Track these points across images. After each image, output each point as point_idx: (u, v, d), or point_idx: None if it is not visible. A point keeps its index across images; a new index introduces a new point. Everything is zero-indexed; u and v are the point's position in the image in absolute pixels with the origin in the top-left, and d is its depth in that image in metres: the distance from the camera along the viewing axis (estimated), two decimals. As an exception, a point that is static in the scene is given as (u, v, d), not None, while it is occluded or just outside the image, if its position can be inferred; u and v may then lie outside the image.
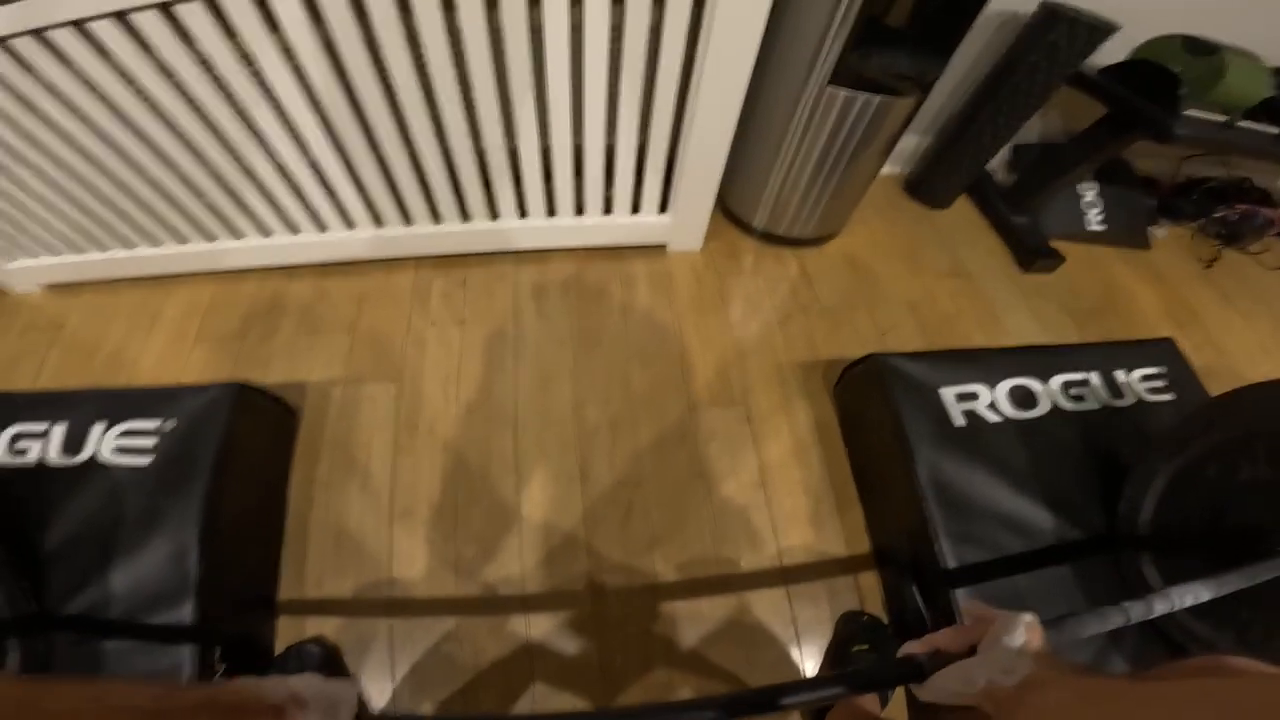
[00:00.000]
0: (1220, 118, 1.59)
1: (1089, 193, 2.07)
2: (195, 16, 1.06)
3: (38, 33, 1.06)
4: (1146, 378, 1.35)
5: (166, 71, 1.16)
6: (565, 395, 1.45)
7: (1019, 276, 1.90)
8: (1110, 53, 1.60)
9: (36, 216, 1.46)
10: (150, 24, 1.06)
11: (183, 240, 1.57)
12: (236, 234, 1.56)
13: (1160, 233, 2.21)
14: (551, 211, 1.58)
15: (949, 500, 1.13)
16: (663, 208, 1.62)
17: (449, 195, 1.49)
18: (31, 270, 1.61)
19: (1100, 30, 1.52)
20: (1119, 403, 1.30)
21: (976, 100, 1.80)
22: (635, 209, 1.61)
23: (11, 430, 1.12)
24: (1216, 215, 2.18)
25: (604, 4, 1.12)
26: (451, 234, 1.59)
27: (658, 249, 1.74)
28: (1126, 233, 2.10)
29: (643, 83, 1.27)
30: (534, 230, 1.61)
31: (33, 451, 1.10)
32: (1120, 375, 1.35)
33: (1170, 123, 1.53)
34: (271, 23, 1.10)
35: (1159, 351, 1.42)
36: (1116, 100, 1.68)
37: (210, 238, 1.57)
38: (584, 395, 1.45)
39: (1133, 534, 1.05)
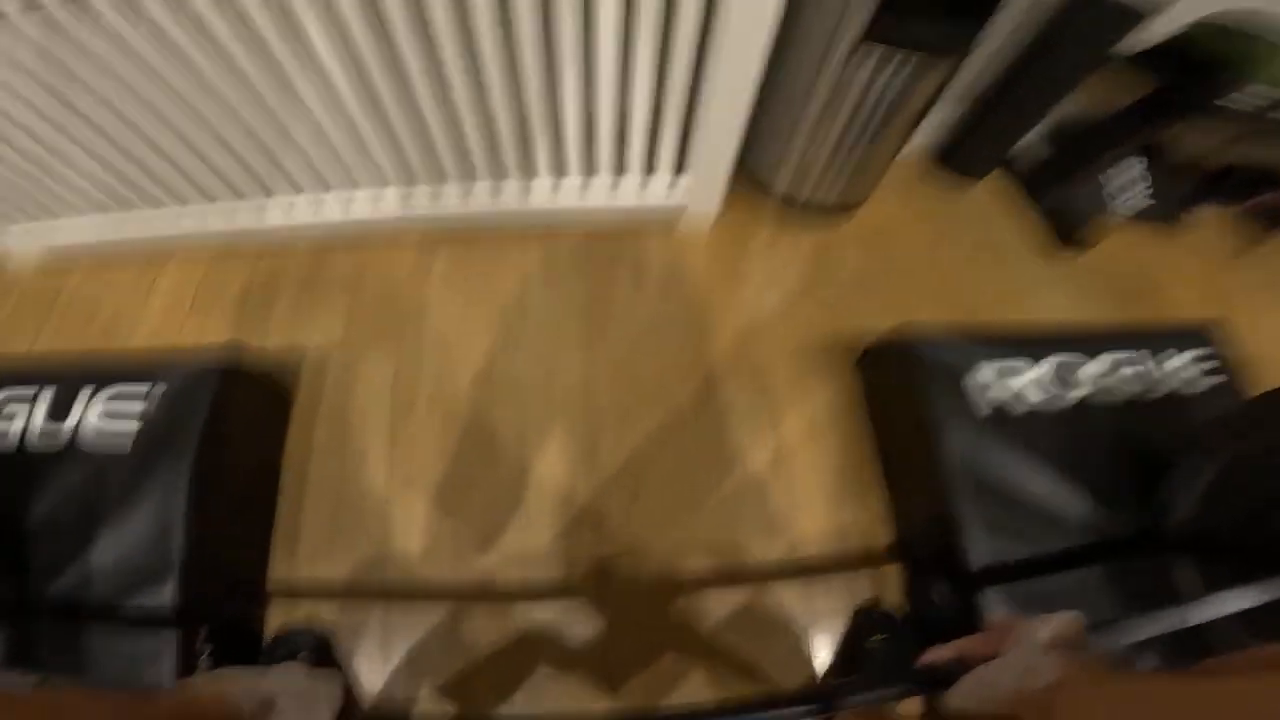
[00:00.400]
0: (1265, 101, 1.51)
1: (1131, 170, 1.96)
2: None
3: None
4: (1194, 360, 1.28)
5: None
6: (574, 371, 1.39)
7: (1053, 254, 1.82)
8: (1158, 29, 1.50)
9: (35, 174, 1.41)
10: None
11: (182, 201, 1.51)
12: (237, 194, 1.51)
13: (1202, 215, 2.12)
14: (561, 171, 1.50)
15: (977, 486, 1.07)
16: (678, 168, 1.53)
17: (451, 151, 1.41)
18: (30, 233, 1.57)
19: (1132, 16, 1.43)
20: (1161, 389, 1.22)
21: (1014, 73, 1.71)
22: (650, 168, 1.53)
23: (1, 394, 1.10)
24: (1260, 199, 2.08)
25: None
26: (457, 197, 1.53)
27: (671, 222, 1.65)
28: (1166, 213, 2.01)
29: (660, 25, 1.19)
30: (543, 193, 1.54)
31: (19, 418, 1.07)
32: (1165, 357, 1.27)
33: (1215, 103, 1.48)
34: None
35: (1205, 335, 1.35)
36: (1164, 78, 1.61)
37: (210, 198, 1.51)
38: (593, 371, 1.39)
39: (1173, 532, 0.99)
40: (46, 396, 1.09)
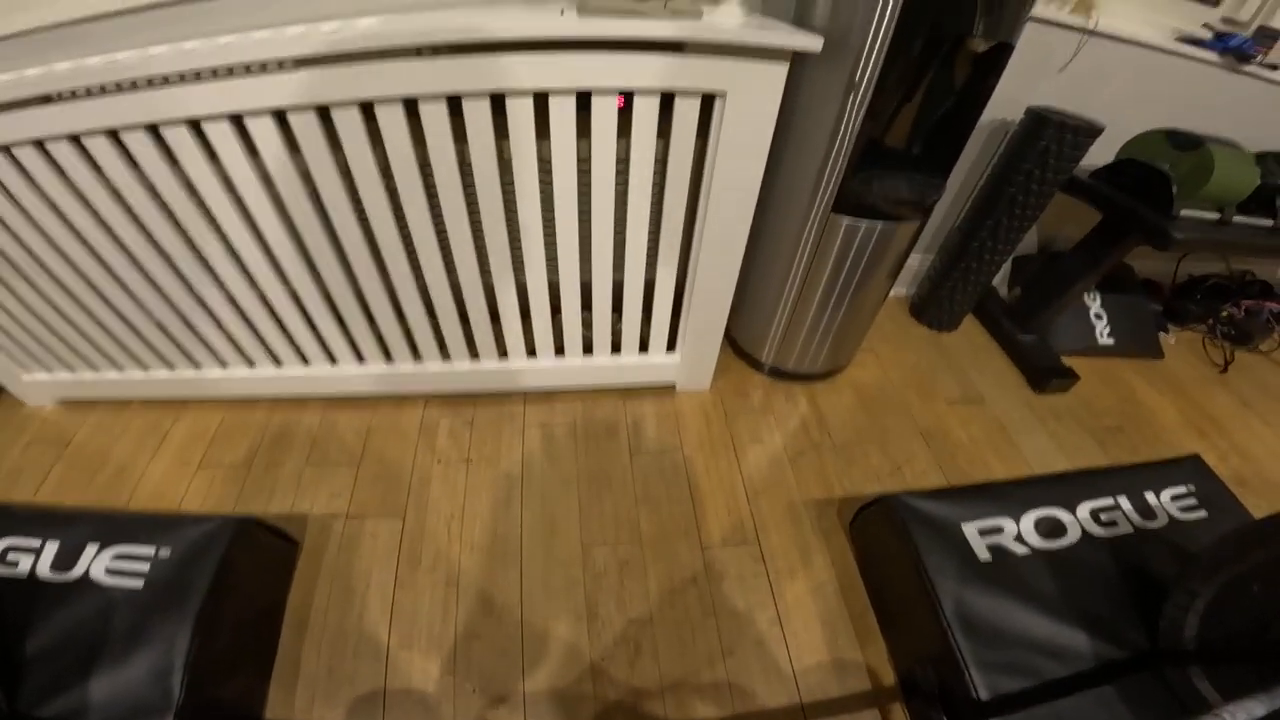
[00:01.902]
0: (1213, 215, 1.61)
1: (1094, 304, 2.08)
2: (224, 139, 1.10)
3: (73, 139, 1.10)
4: (1176, 497, 1.35)
5: (193, 191, 1.20)
6: (573, 535, 1.42)
7: (1033, 398, 1.89)
8: (1097, 154, 1.66)
9: (54, 331, 1.49)
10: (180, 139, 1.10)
11: (196, 365, 1.59)
12: (250, 362, 1.59)
13: (1170, 338, 2.22)
14: (560, 351, 1.60)
15: (979, 633, 1.09)
16: (670, 346, 1.63)
17: (458, 333, 1.51)
18: (46, 384, 1.63)
19: (1087, 132, 1.56)
20: (1151, 524, 1.28)
21: (974, 216, 1.84)
22: (643, 348, 1.62)
23: (4, 542, 1.12)
24: (1223, 315, 2.19)
25: (610, 136, 1.15)
26: (460, 373, 1.61)
27: (666, 388, 1.74)
28: (1137, 342, 2.11)
29: (649, 219, 1.30)
30: (542, 370, 1.63)
31: (23, 565, 1.09)
32: (1150, 497, 1.33)
33: (1167, 227, 1.55)
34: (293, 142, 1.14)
35: (1186, 469, 1.42)
36: (1111, 206, 1.71)
37: (224, 364, 1.59)
38: (592, 536, 1.42)
39: (1177, 650, 1.01)
40: (51, 550, 1.11)
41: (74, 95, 1.05)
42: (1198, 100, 1.88)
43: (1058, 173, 1.62)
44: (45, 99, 1.04)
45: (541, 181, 1.20)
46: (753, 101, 1.12)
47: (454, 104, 1.08)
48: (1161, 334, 2.19)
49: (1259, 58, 1.79)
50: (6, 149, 1.10)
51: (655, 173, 1.22)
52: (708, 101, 1.14)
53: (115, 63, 1.00)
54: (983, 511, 1.26)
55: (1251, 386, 2.08)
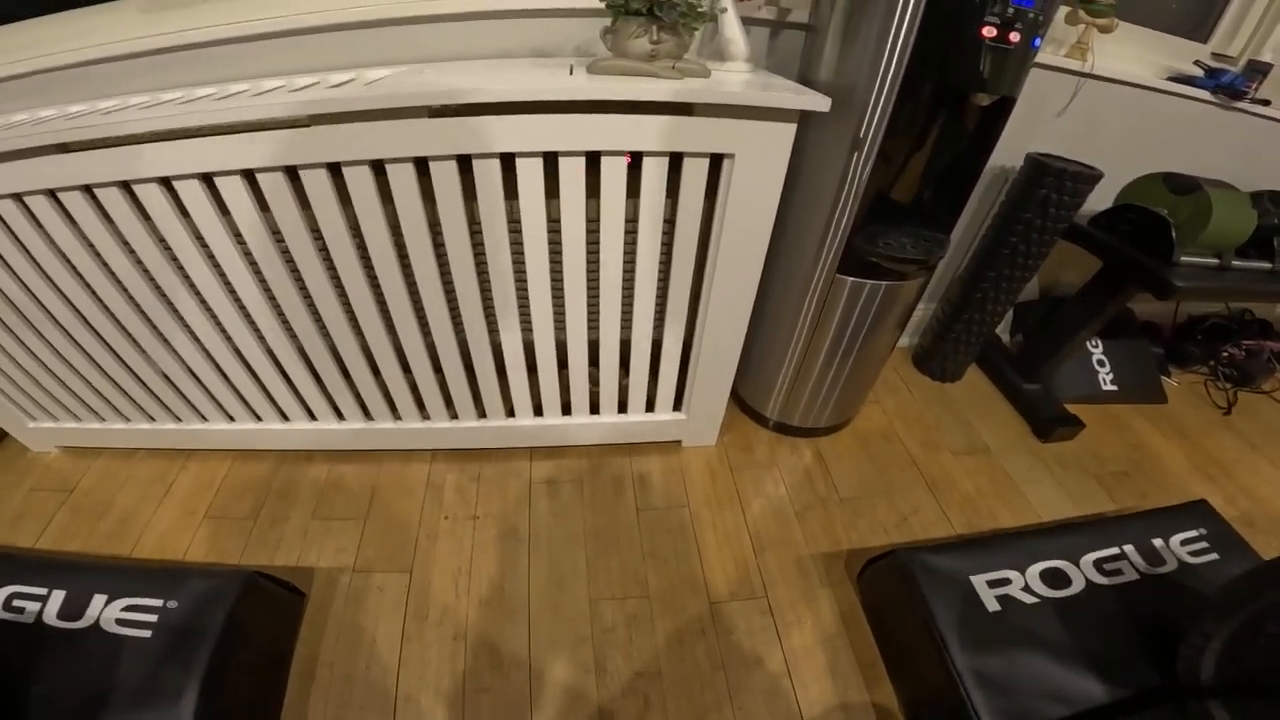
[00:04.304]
0: (1213, 260, 1.62)
1: (1096, 351, 2.10)
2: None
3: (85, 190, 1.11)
4: (1186, 541, 1.36)
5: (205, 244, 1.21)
6: (580, 590, 1.41)
7: (1039, 446, 1.89)
8: (1096, 197, 1.67)
9: (60, 381, 1.50)
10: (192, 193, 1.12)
11: (203, 418, 1.60)
12: (256, 416, 1.59)
13: (1173, 381, 2.23)
14: (567, 410, 1.61)
15: (991, 683, 1.09)
16: (677, 405, 1.65)
17: (465, 392, 1.52)
18: (51, 431, 1.64)
19: (1086, 179, 1.58)
20: (1159, 569, 1.29)
21: (976, 266, 1.85)
22: (650, 407, 1.64)
23: (9, 589, 1.13)
24: (1224, 357, 2.21)
25: (619, 196, 1.16)
26: (467, 430, 1.62)
27: (672, 444, 1.75)
28: (1140, 387, 2.12)
29: (657, 280, 1.32)
30: (549, 428, 1.64)
31: (29, 612, 1.10)
32: (1158, 543, 1.35)
33: (1168, 276, 1.56)
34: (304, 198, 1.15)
35: (1195, 514, 1.43)
36: (1112, 253, 1.72)
37: (230, 418, 1.59)
38: (599, 591, 1.41)
39: (1198, 687, 1.01)
40: (58, 598, 1.12)
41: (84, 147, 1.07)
42: (1193, 139, 1.91)
43: (1058, 221, 1.64)
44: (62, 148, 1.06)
45: (550, 240, 1.22)
46: (761, 162, 1.13)
47: (463, 161, 1.09)
48: (1164, 378, 2.20)
49: (1250, 93, 1.82)
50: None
51: (664, 232, 1.24)
52: (716, 161, 1.16)
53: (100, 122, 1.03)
54: (990, 564, 1.27)
55: (1256, 427, 2.09)
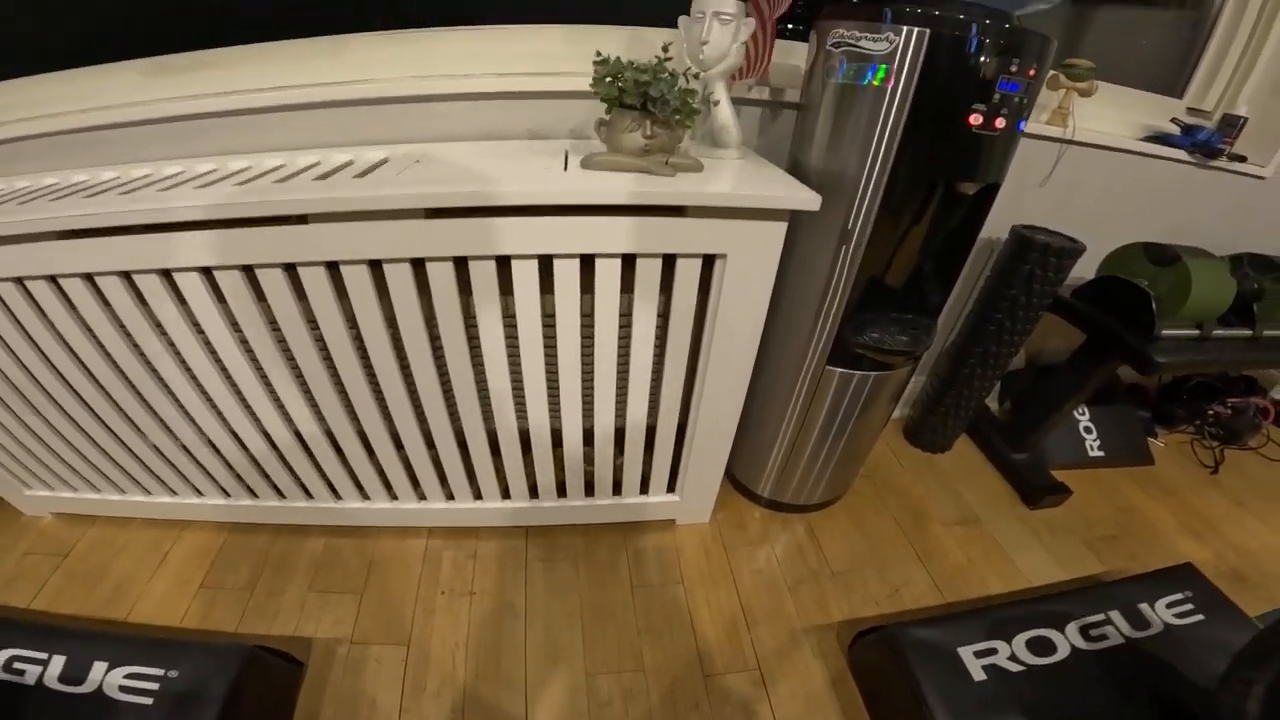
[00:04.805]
0: (1194, 331, 1.65)
1: (1083, 418, 2.13)
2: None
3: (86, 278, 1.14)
4: (1172, 604, 1.40)
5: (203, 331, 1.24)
6: (577, 664, 1.42)
7: (1028, 514, 1.91)
8: (1080, 265, 1.68)
9: (57, 455, 1.51)
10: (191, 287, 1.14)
11: (200, 493, 1.62)
12: (252, 493, 1.61)
13: (1160, 443, 2.26)
14: (562, 493, 1.63)
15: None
16: (671, 487, 1.66)
17: (461, 474, 1.54)
18: (46, 500, 1.65)
19: (1069, 254, 1.60)
20: (1145, 633, 1.33)
21: (963, 342, 1.88)
22: (644, 489, 1.65)
23: (8, 652, 1.15)
24: (1210, 415, 2.24)
25: (613, 295, 1.19)
26: (463, 510, 1.64)
27: (666, 521, 1.77)
28: (1127, 451, 2.15)
29: (650, 371, 1.34)
30: (545, 510, 1.65)
31: (30, 674, 1.12)
32: (1144, 608, 1.38)
33: (1149, 351, 1.59)
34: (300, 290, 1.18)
35: (1180, 577, 1.48)
36: (1095, 327, 1.75)
37: (227, 494, 1.61)
38: (596, 665, 1.42)
39: None
40: (58, 663, 1.14)
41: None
42: (1174, 200, 1.95)
43: (1043, 296, 1.66)
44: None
45: (545, 334, 1.24)
46: (753, 260, 1.16)
47: (459, 259, 1.12)
48: (1151, 439, 2.23)
49: (1226, 149, 1.86)
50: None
51: (657, 327, 1.26)
52: (709, 258, 1.18)
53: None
54: (976, 635, 1.30)
55: (1243, 484, 2.12)
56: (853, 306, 1.33)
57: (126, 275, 1.13)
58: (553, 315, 1.21)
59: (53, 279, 1.13)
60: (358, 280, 1.12)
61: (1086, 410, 2.12)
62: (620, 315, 1.22)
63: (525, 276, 1.14)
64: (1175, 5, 2.01)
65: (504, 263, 1.13)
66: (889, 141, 1.14)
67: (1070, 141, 1.70)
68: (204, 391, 1.33)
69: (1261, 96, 1.90)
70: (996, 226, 1.76)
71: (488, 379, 1.31)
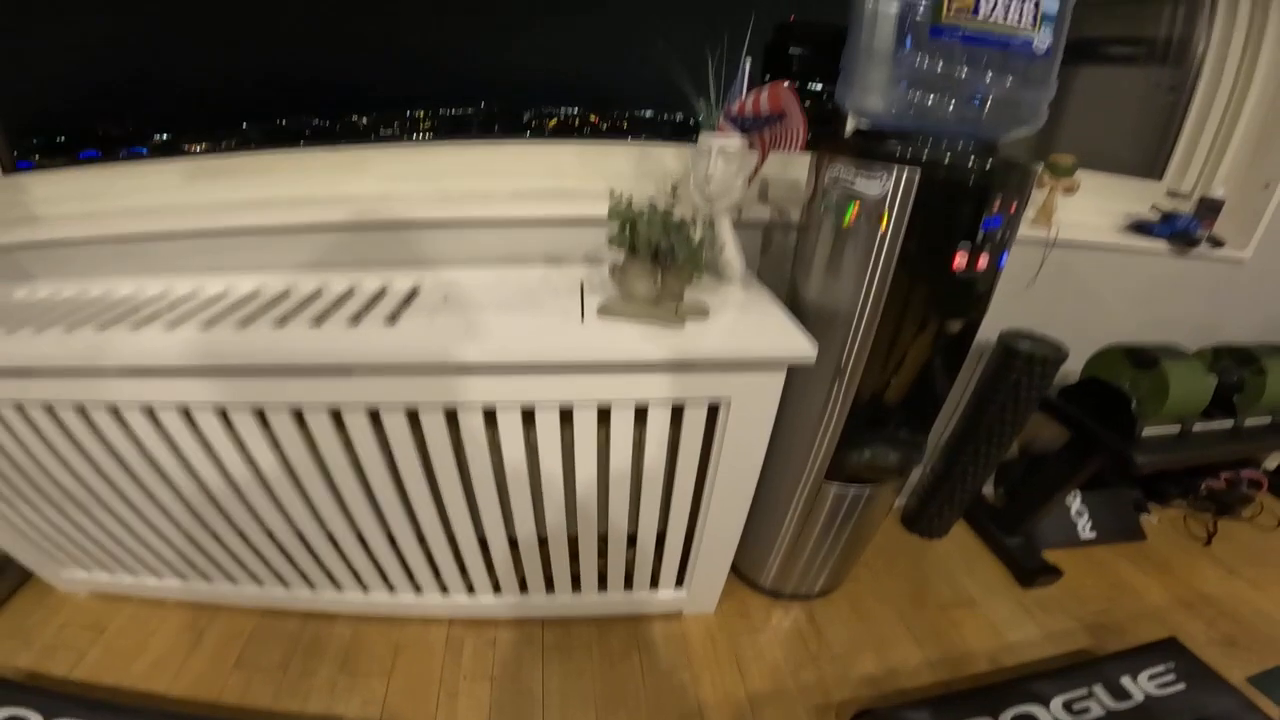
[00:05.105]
0: (1175, 429, 1.72)
1: (1074, 503, 2.18)
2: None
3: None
4: (1154, 676, 1.51)
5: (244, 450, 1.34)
6: None
7: (1022, 594, 1.98)
8: (1071, 359, 1.75)
9: (95, 542, 1.60)
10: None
11: (233, 581, 1.71)
12: (284, 583, 1.70)
13: (1152, 519, 2.30)
14: (577, 587, 1.71)
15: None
16: (679, 583, 1.74)
17: (482, 571, 1.62)
18: (83, 580, 1.74)
19: (1054, 361, 1.67)
20: (1127, 704, 1.44)
21: (955, 443, 1.95)
22: (654, 584, 1.73)
23: None
24: (1202, 490, 2.27)
25: (628, 431, 1.28)
26: (484, 604, 1.72)
27: (675, 613, 1.85)
28: (1119, 531, 2.20)
29: (661, 487, 1.43)
30: (560, 603, 1.74)
31: None
32: (1126, 681, 1.49)
33: (1130, 454, 1.66)
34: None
35: (1164, 651, 1.60)
36: (1079, 428, 1.82)
37: (260, 582, 1.70)
38: None
39: None
40: None
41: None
42: (1157, 292, 2.00)
43: (1029, 402, 1.73)
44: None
45: (564, 460, 1.34)
46: (755, 403, 1.25)
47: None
48: (1144, 515, 2.27)
49: (1203, 234, 1.88)
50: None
51: (667, 456, 1.35)
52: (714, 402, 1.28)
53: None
54: (963, 715, 1.41)
55: (1236, 554, 2.17)
56: (845, 433, 1.42)
57: (183, 411, 1.24)
58: (571, 445, 1.31)
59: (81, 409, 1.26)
60: (396, 423, 1.24)
61: (1078, 495, 2.18)
62: (633, 445, 1.32)
63: (548, 422, 1.25)
64: (1152, 86, 2.08)
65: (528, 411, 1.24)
66: (879, 284, 1.21)
67: (1054, 244, 1.75)
68: (239, 493, 1.41)
69: (1237, 176, 1.95)
70: (986, 329, 1.77)
71: (510, 496, 1.41)
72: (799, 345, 1.17)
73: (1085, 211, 1.91)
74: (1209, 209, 1.91)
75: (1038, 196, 1.78)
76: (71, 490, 1.44)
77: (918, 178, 1.11)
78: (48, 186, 1.59)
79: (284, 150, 1.62)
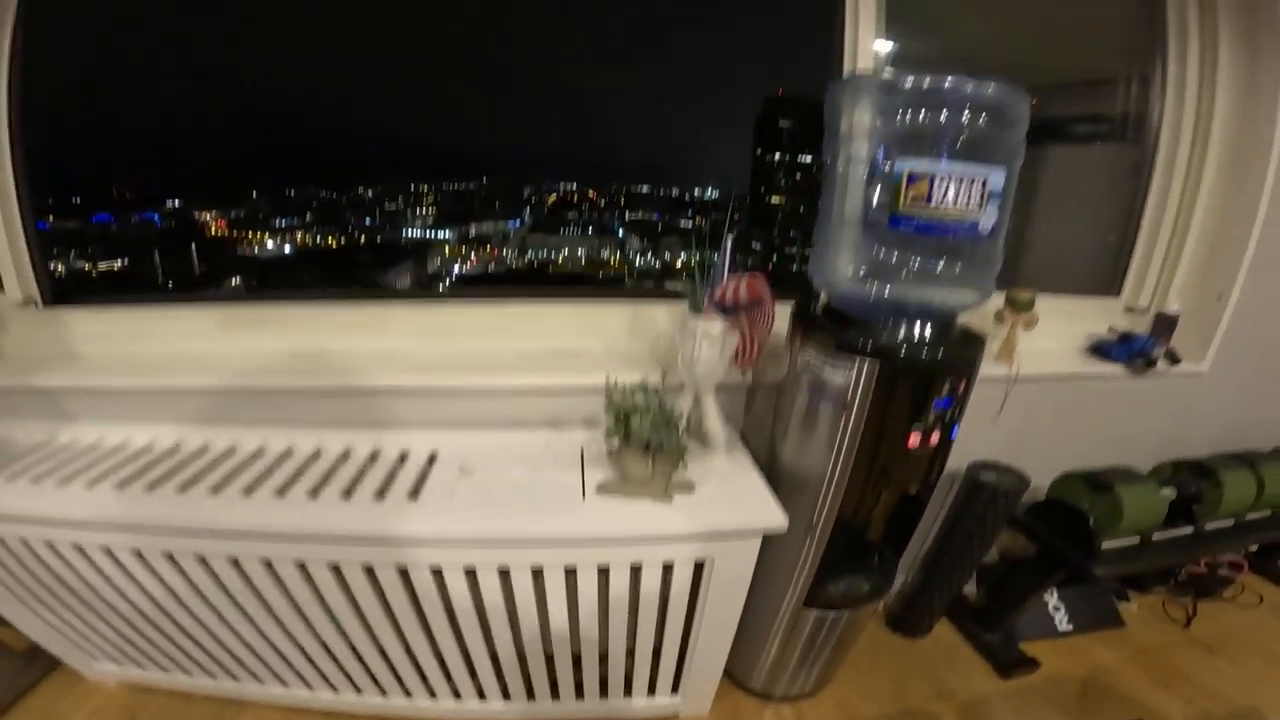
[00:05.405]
0: (1134, 541, 1.86)
1: (1051, 599, 2.28)
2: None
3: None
4: None
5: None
6: None
7: (1001, 684, 2.06)
8: (1037, 479, 1.89)
9: (128, 641, 1.71)
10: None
11: (260, 681, 1.81)
12: (307, 685, 1.82)
13: (1131, 606, 2.37)
14: (580, 694, 1.81)
15: None
16: (674, 689, 1.85)
17: (492, 681, 1.74)
18: (113, 673, 1.85)
19: (1016, 492, 1.81)
20: None
21: (930, 562, 2.09)
22: (651, 691, 1.85)
23: None
24: (1182, 575, 2.36)
25: (624, 581, 1.44)
26: (494, 710, 1.84)
27: (670, 716, 1.95)
28: (1096, 619, 2.28)
29: (656, 615, 1.57)
30: (565, 709, 1.85)
31: None
32: None
33: (1089, 566, 1.80)
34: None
35: None
36: (1043, 543, 1.96)
37: (284, 683, 1.81)
38: None
39: None
40: None
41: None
42: (1118, 413, 2.10)
43: (996, 526, 1.87)
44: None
45: (568, 603, 1.49)
46: (734, 561, 1.41)
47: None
48: (1123, 603, 2.35)
49: (1160, 353, 1.95)
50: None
51: (660, 593, 1.50)
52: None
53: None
54: None
55: (1215, 633, 2.24)
56: (820, 569, 1.55)
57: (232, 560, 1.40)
58: (575, 590, 1.46)
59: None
60: (423, 578, 1.40)
61: (1055, 591, 2.26)
62: (629, 591, 1.47)
63: (554, 578, 1.41)
64: (1104, 204, 2.21)
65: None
66: (845, 457, 1.37)
67: (1016, 380, 1.87)
68: (269, 608, 1.53)
69: (1192, 289, 2.05)
70: (955, 459, 1.82)
71: (520, 624, 1.54)
72: (772, 517, 1.34)
73: (1046, 336, 1.95)
74: (1164, 325, 1.99)
75: (999, 332, 1.89)
76: (115, 604, 1.56)
77: (877, 369, 1.27)
78: (83, 324, 1.76)
79: (309, 303, 1.83)
